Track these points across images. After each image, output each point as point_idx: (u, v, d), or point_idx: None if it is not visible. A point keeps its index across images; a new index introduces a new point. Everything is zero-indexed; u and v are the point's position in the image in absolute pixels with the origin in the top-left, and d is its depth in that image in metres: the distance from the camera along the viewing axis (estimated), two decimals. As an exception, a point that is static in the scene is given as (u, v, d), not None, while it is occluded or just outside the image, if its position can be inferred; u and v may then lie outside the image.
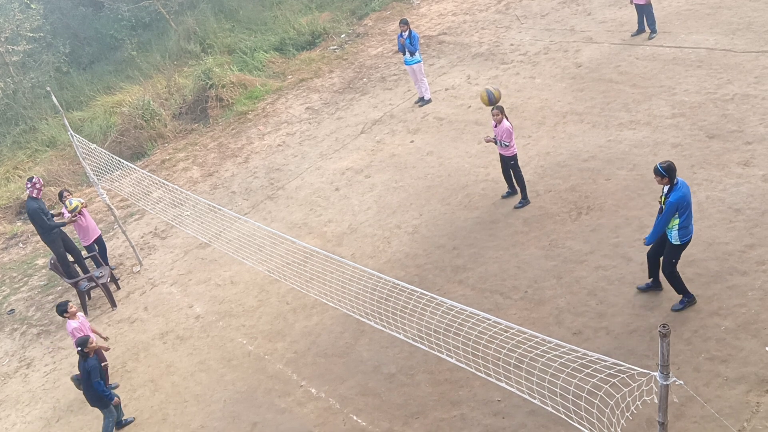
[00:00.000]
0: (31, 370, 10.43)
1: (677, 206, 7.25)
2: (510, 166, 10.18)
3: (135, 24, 22.03)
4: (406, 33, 13.68)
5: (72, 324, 8.91)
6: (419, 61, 13.87)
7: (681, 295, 7.80)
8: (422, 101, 14.25)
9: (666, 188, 7.37)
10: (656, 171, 7.29)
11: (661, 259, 7.73)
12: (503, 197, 10.52)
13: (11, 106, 19.14)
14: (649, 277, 8.10)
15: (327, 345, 9.03)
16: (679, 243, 7.48)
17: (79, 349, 8.12)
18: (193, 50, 20.05)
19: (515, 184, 10.37)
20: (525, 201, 10.27)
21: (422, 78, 14.10)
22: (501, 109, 9.77)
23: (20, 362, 10.69)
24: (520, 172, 10.19)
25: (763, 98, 10.94)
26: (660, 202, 7.50)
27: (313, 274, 8.97)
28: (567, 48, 14.52)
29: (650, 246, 7.86)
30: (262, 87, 17.41)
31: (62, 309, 8.95)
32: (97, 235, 11.64)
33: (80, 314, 9.17)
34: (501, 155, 10.18)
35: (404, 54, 13.94)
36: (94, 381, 8.09)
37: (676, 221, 7.36)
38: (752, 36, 12.79)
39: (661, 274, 7.85)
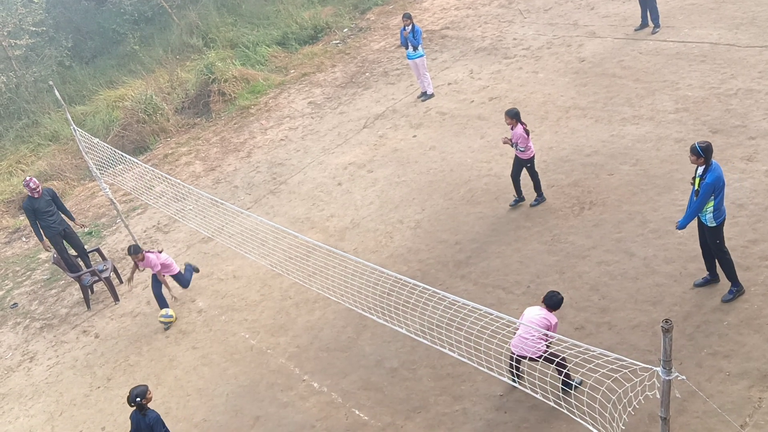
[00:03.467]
0: (34, 364, 10.46)
1: (713, 187, 7.11)
2: (526, 168, 9.94)
3: (137, 18, 22.01)
4: (409, 27, 13.64)
5: None
6: (422, 56, 13.84)
7: (730, 285, 7.67)
8: (425, 96, 14.22)
9: (701, 169, 7.22)
10: (693, 150, 7.13)
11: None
12: (511, 206, 10.21)
13: (14, 100, 19.14)
14: (707, 270, 7.89)
15: (329, 339, 9.05)
16: (715, 225, 7.35)
17: (138, 400, 6.62)
18: (195, 44, 20.01)
19: (528, 187, 10.09)
20: (540, 198, 10.11)
21: (425, 72, 14.07)
22: (512, 116, 9.56)
23: (23, 356, 10.73)
24: (536, 174, 9.99)
25: (766, 93, 10.90)
26: (692, 183, 7.35)
27: (315, 269, 8.97)
28: (570, 42, 14.47)
29: (700, 238, 7.67)
30: (264, 81, 17.39)
31: None
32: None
33: None
34: (516, 157, 9.93)
35: (407, 48, 13.92)
36: None
37: (711, 203, 7.22)
38: (756, 30, 12.74)
39: (718, 267, 7.72)
